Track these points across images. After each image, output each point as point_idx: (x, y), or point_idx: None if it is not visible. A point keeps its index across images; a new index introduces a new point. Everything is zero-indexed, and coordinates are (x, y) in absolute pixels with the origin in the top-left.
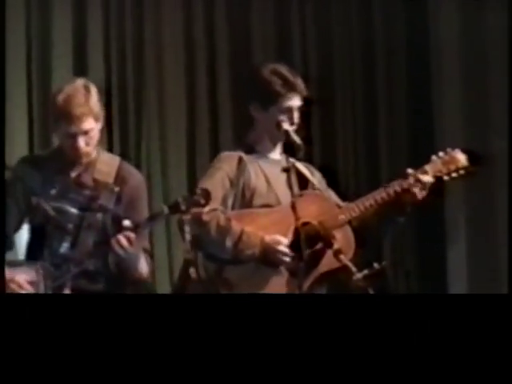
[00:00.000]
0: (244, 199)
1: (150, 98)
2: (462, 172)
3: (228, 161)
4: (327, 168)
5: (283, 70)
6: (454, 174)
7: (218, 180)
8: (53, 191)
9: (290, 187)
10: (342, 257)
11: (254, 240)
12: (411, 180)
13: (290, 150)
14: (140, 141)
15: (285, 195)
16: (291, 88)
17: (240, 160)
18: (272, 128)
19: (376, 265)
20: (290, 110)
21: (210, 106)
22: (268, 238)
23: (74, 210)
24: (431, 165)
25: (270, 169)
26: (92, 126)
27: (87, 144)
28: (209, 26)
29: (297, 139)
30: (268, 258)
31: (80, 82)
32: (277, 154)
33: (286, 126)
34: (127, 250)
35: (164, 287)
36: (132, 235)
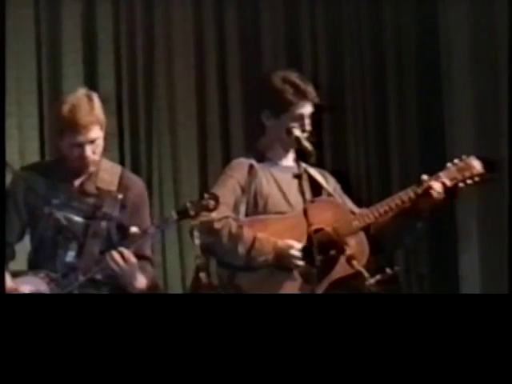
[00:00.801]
0: (257, 207)
1: (161, 105)
2: (477, 179)
3: (239, 168)
4: (338, 175)
5: (294, 77)
6: (469, 181)
7: (229, 187)
8: (56, 200)
9: (302, 193)
10: (354, 262)
11: (267, 246)
12: (425, 186)
13: (302, 156)
14: (151, 148)
15: (298, 202)
16: (303, 96)
17: (251, 167)
18: (283, 135)
19: (388, 270)
20: (301, 118)
21: (220, 113)
22: (281, 242)
23: (78, 219)
24: (446, 172)
25: (282, 176)
26: (98, 134)
27: (94, 152)
28: (219, 33)
29: (308, 145)
30: (281, 263)
31: (82, 91)
32: (289, 161)
33: (296, 132)
34: (121, 267)
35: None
36: (126, 251)
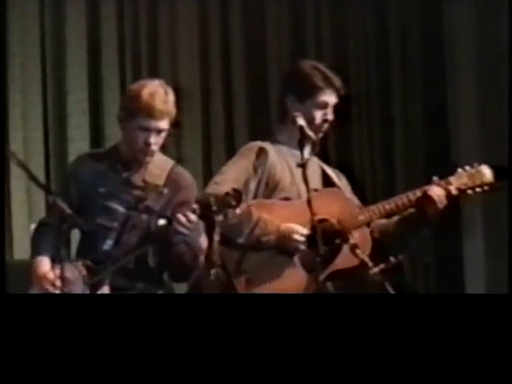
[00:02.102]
0: (267, 189)
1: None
2: (486, 188)
3: (254, 150)
4: (342, 168)
5: (323, 67)
6: (478, 189)
7: (240, 167)
8: (102, 189)
9: (306, 182)
10: (358, 251)
11: (271, 227)
12: (437, 189)
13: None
14: None
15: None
16: (330, 84)
17: (263, 150)
18: (306, 122)
19: (392, 259)
20: (325, 106)
21: (224, 102)
22: (284, 225)
23: (121, 209)
24: (456, 177)
25: (297, 168)
26: (166, 126)
27: (156, 143)
28: (223, 24)
29: (311, 134)
30: (283, 246)
31: (158, 82)
32: (306, 152)
33: (300, 121)
34: (189, 227)
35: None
36: (189, 213)
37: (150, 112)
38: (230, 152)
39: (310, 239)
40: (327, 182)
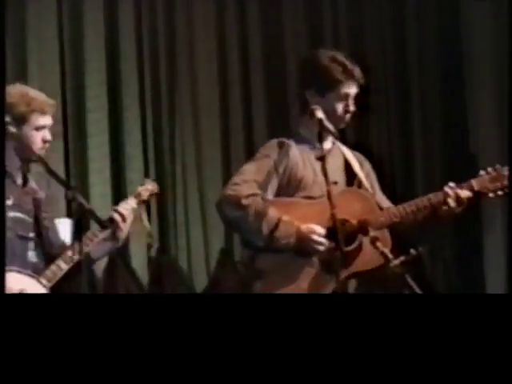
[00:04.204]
0: (289, 188)
1: (183, 94)
2: (507, 190)
3: (275, 148)
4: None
5: (342, 57)
6: (500, 192)
7: (261, 165)
8: (9, 201)
9: (325, 175)
10: (378, 244)
11: (291, 228)
12: (451, 193)
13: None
14: (174, 135)
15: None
16: (350, 75)
17: (284, 146)
18: (328, 115)
19: (413, 251)
20: (346, 97)
21: (243, 104)
22: (304, 226)
23: (28, 218)
24: (478, 180)
25: (318, 162)
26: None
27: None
28: (241, 26)
29: (331, 127)
30: (303, 247)
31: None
32: (328, 143)
33: (319, 114)
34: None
35: (201, 278)
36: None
37: (43, 109)
38: (249, 151)
39: (331, 237)
40: (350, 172)
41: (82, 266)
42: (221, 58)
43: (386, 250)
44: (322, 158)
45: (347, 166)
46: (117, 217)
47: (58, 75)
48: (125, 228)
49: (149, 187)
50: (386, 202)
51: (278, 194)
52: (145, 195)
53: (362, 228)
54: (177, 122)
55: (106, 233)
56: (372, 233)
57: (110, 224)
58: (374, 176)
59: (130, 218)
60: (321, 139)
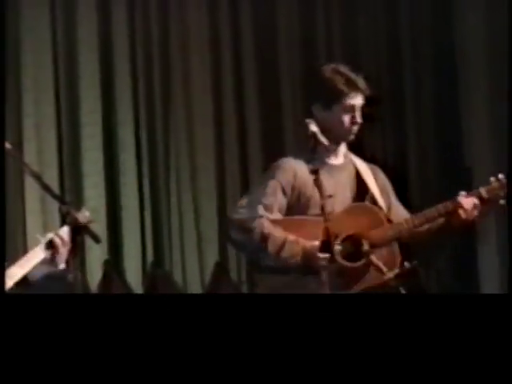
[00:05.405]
0: (299, 206)
1: (177, 106)
2: None
3: (284, 170)
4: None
5: (345, 69)
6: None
7: (269, 188)
8: None
9: (319, 189)
10: (372, 257)
11: (297, 248)
12: (461, 201)
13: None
14: (168, 143)
15: (340, 204)
16: (354, 86)
17: (290, 166)
18: (336, 128)
19: (407, 264)
20: (352, 109)
21: (237, 111)
22: (309, 244)
23: None
24: (487, 188)
25: (328, 177)
26: None
27: None
28: (234, 30)
29: (324, 140)
30: (309, 265)
31: None
32: (338, 158)
33: (313, 127)
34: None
35: (195, 292)
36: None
37: None
38: (244, 163)
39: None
40: (363, 186)
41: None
42: (215, 68)
43: (380, 264)
44: (315, 172)
45: (360, 180)
46: (57, 240)
47: (52, 89)
48: (64, 252)
49: (86, 214)
50: (403, 213)
51: (289, 213)
52: (83, 221)
53: (357, 242)
54: (171, 136)
55: (46, 256)
56: (366, 246)
57: (51, 247)
58: (390, 188)
59: (69, 243)
60: (314, 153)
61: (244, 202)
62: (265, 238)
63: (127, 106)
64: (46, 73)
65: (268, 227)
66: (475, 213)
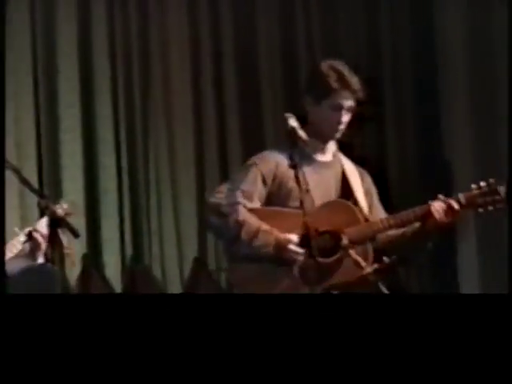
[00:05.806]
0: (280, 197)
1: (157, 99)
2: (498, 206)
3: (267, 160)
4: None
5: (341, 66)
6: (490, 208)
7: (249, 175)
8: None
9: (298, 183)
10: (351, 252)
11: (270, 238)
12: (437, 205)
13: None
14: (148, 142)
15: (321, 200)
16: (345, 85)
17: (273, 157)
18: (322, 124)
19: (386, 259)
20: (339, 108)
21: (217, 108)
22: (282, 235)
23: None
24: (467, 194)
25: (312, 173)
26: None
27: None
28: (214, 28)
29: (303, 135)
30: (281, 257)
31: None
32: (326, 155)
33: (292, 122)
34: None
35: (175, 287)
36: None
37: None
38: (223, 162)
39: (307, 246)
40: (347, 185)
41: None
42: (194, 64)
43: (359, 258)
44: (294, 166)
45: (346, 180)
46: (35, 234)
47: (31, 82)
48: (43, 245)
49: (64, 206)
50: (382, 215)
51: (269, 203)
52: (61, 214)
53: (336, 237)
54: (150, 132)
55: (23, 249)
56: (345, 240)
57: (30, 241)
58: (374, 191)
59: (47, 236)
60: (293, 147)
61: (224, 187)
62: (239, 224)
63: (106, 101)
64: (24, 67)
65: (244, 214)
66: (449, 218)
